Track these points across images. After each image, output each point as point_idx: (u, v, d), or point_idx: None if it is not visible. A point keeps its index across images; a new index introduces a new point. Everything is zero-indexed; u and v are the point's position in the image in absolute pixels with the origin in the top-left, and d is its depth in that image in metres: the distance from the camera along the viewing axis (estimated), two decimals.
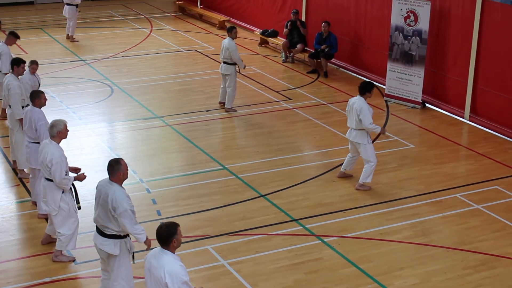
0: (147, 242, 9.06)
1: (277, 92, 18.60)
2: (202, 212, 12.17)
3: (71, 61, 20.94)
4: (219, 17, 26.21)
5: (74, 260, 10.64)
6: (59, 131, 10.26)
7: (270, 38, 23.17)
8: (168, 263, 7.51)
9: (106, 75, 19.64)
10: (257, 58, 22.06)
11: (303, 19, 21.96)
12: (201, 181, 13.35)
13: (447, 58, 17.27)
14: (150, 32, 25.19)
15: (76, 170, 10.74)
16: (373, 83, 13.31)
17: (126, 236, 9.10)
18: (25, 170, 13.37)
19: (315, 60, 20.38)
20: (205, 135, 15.78)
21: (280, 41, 22.31)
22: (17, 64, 13.45)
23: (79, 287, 10.18)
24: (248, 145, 15.17)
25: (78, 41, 23.49)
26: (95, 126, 15.86)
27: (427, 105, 17.75)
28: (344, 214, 12.19)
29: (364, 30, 19.82)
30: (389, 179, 13.63)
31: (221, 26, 25.70)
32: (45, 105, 11.89)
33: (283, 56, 21.71)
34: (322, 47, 19.85)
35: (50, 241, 10.99)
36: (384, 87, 18.47)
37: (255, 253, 10.86)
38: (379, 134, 14.72)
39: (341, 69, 20.81)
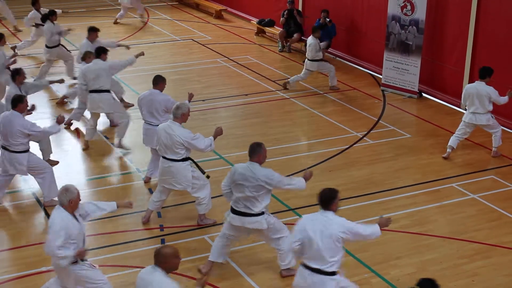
0: (307, 177, 9.88)
1: (274, 81, 18.59)
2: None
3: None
4: (215, 6, 26.18)
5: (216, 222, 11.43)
6: (183, 113, 10.80)
7: (267, 28, 23.15)
8: (336, 219, 8.28)
9: None
10: (253, 48, 22.04)
11: (300, 8, 21.93)
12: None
13: (444, 48, 17.27)
14: (147, 21, 25.14)
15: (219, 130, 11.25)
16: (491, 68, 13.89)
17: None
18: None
19: None
20: (202, 124, 15.77)
21: (277, 30, 22.29)
22: None
23: None
24: (245, 134, 15.18)
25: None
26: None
27: (424, 94, 17.76)
28: (340, 203, 12.11)
29: (361, 19, 19.81)
30: (385, 168, 13.65)
31: (218, 15, 25.67)
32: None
33: (280, 45, 21.69)
34: (321, 20, 19.77)
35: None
36: (381, 76, 18.47)
37: (251, 243, 10.87)
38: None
39: (338, 58, 20.80)
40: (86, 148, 14.29)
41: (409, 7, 17.35)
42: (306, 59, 17.86)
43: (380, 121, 16.05)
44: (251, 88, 18.10)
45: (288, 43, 21.56)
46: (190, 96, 12.88)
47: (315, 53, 17.60)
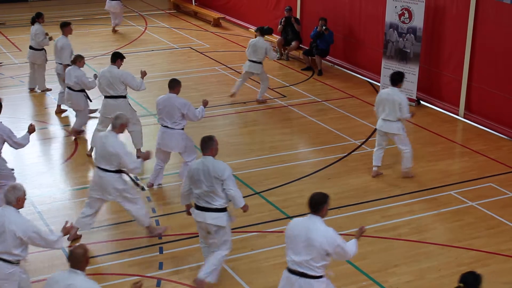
0: (244, 207, 9.66)
1: (272, 89, 18.60)
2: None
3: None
4: (214, 14, 26.22)
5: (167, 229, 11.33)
6: (122, 124, 10.62)
7: (265, 36, 23.14)
8: (321, 227, 8.00)
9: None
10: None
11: (298, 16, 21.97)
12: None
13: (442, 56, 17.30)
14: (145, 29, 25.18)
15: (148, 154, 11.02)
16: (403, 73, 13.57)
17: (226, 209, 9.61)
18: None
19: (309, 57, 20.40)
20: (200, 132, 15.72)
21: (275, 38, 22.31)
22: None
23: None
24: (243, 142, 15.18)
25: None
26: (90, 124, 15.81)
27: (422, 102, 17.78)
28: (338, 211, 12.21)
29: (358, 27, 19.84)
30: (383, 176, 13.64)
31: (216, 23, 25.71)
32: None
33: (278, 53, 21.71)
34: (318, 28, 19.76)
35: (77, 237, 11.16)
36: (379, 84, 18.48)
37: (250, 251, 10.87)
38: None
39: (335, 66, 20.83)
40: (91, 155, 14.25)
41: (406, 15, 17.39)
42: (247, 60, 17.59)
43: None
44: (249, 96, 18.11)
45: (286, 51, 21.59)
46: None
47: (259, 55, 17.29)
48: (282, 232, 11.39)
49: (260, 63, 17.41)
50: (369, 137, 15.45)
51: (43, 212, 12.07)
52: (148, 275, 10.17)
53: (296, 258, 8.07)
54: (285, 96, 18.07)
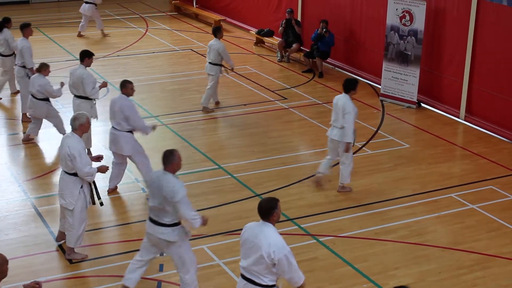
0: (203, 223, 9.20)
1: (272, 91, 18.60)
2: (198, 211, 12.10)
3: (66, 60, 20.92)
4: (214, 16, 26.21)
5: (86, 257, 10.67)
6: (81, 124, 10.30)
7: (266, 38, 23.18)
8: (271, 234, 7.73)
9: (102, 74, 19.61)
10: (252, 58, 22.07)
11: (299, 18, 21.97)
12: (197, 181, 13.35)
13: (443, 58, 17.29)
14: (146, 31, 25.18)
15: (98, 158, 10.80)
16: (357, 80, 13.06)
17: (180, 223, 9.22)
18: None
19: (310, 59, 20.39)
20: (201, 134, 15.79)
21: (275, 40, 22.31)
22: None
23: (72, 286, 10.15)
24: (244, 144, 15.17)
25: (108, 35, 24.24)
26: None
27: (423, 104, 17.76)
28: (339, 213, 12.20)
29: (359, 29, 19.84)
30: (384, 178, 13.64)
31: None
32: None
33: (279, 55, 21.71)
34: (319, 31, 19.73)
35: (64, 238, 10.90)
36: (380, 86, 18.48)
37: None
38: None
39: (336, 68, 20.83)
40: None
41: (408, 17, 17.38)
42: (207, 62, 17.04)
43: (379, 131, 16.06)
44: (249, 98, 18.11)
45: (287, 53, 21.59)
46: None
47: (216, 56, 16.73)
48: (282, 234, 11.20)
49: (215, 65, 16.78)
50: (370, 139, 15.45)
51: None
52: (149, 277, 10.16)
53: (244, 264, 7.89)
54: (286, 98, 18.07)
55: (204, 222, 9.17)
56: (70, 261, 10.58)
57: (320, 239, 11.30)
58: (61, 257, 10.67)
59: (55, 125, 15.07)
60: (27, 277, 10.09)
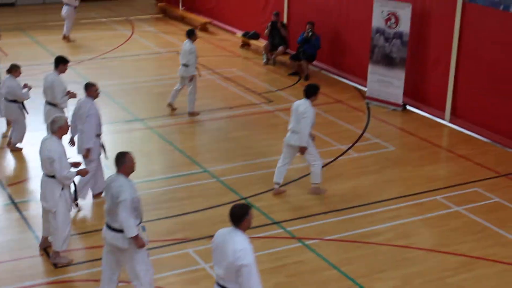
0: (138, 241, 8.90)
1: (258, 94, 18.62)
2: (183, 215, 12.16)
3: (51, 63, 20.77)
4: (200, 19, 26.22)
5: (71, 262, 10.59)
6: (60, 127, 10.24)
7: (252, 40, 23.19)
8: (240, 241, 7.62)
9: (88, 77, 19.49)
10: (238, 60, 22.08)
11: (285, 21, 21.99)
12: (182, 184, 13.34)
13: (428, 61, 17.35)
14: (132, 34, 25.14)
15: (76, 164, 10.69)
16: (319, 87, 12.97)
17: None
18: None
19: (296, 62, 20.42)
20: (186, 137, 15.78)
21: (261, 43, 22.33)
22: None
23: None
24: (229, 147, 15.16)
25: (74, 41, 23.73)
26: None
27: (408, 107, 17.82)
28: (325, 216, 12.21)
29: (345, 32, 19.88)
30: (370, 181, 13.67)
31: (203, 28, 25.70)
32: None
33: (265, 58, 21.73)
34: (305, 34, 19.76)
35: (48, 244, 10.86)
36: (365, 89, 18.52)
37: None
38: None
39: (322, 71, 20.85)
40: None
41: (393, 20, 17.43)
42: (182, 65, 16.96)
43: (364, 134, 16.10)
44: (236, 101, 18.11)
45: (273, 56, 21.60)
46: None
47: (188, 59, 16.70)
48: (268, 237, 11.42)
49: (188, 66, 16.72)
50: (355, 142, 15.48)
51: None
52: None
53: (217, 271, 7.81)
54: (271, 101, 18.08)
55: (140, 244, 8.92)
56: (55, 265, 10.53)
57: (306, 242, 11.31)
58: (46, 261, 10.62)
59: (14, 131, 14.70)
60: (12, 281, 10.08)
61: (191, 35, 16.80)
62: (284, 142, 12.85)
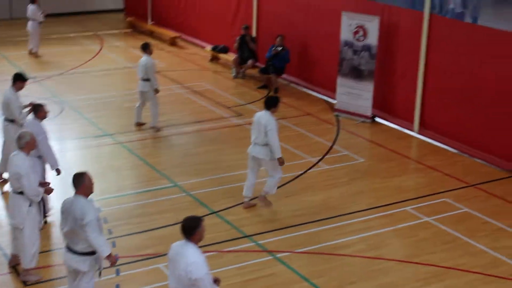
0: (111, 258, 8.84)
1: (228, 108, 18.62)
2: (154, 230, 12.10)
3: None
4: (170, 33, 26.19)
5: (41, 279, 10.45)
6: (27, 142, 10.12)
7: (221, 54, 23.22)
8: (191, 253, 7.61)
9: (56, 92, 19.47)
10: (208, 74, 22.09)
11: (254, 34, 22.05)
12: (153, 199, 13.28)
13: (396, 73, 17.48)
14: (101, 49, 25.05)
15: (44, 184, 10.59)
16: (279, 98, 12.99)
17: (95, 253, 8.89)
18: None
19: (265, 75, 20.46)
20: (156, 152, 15.73)
21: (231, 57, 22.36)
22: None
23: None
24: (199, 161, 15.14)
25: (41, 56, 23.54)
26: None
27: (377, 119, 17.92)
28: (296, 229, 12.22)
29: (314, 45, 19.97)
30: (340, 193, 13.72)
31: (172, 42, 25.69)
32: None
33: (234, 71, 21.75)
34: (273, 50, 19.83)
35: (17, 262, 10.70)
36: (334, 101, 18.60)
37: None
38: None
39: (291, 84, 20.92)
40: None
41: (361, 32, 17.55)
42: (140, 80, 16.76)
43: (334, 146, 16.16)
44: (205, 114, 18.10)
45: (242, 69, 21.64)
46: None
47: (150, 72, 16.56)
48: (239, 251, 11.40)
49: (147, 80, 16.55)
50: (325, 154, 15.54)
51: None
52: None
53: (171, 284, 7.80)
54: (241, 115, 18.09)
55: (113, 261, 8.88)
56: (25, 283, 10.42)
57: (277, 255, 11.31)
58: (15, 279, 10.51)
59: None
60: None
61: (146, 49, 16.69)
62: (249, 154, 12.86)
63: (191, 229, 7.68)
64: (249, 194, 13.03)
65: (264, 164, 12.70)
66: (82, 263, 8.82)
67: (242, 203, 13.07)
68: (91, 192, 8.87)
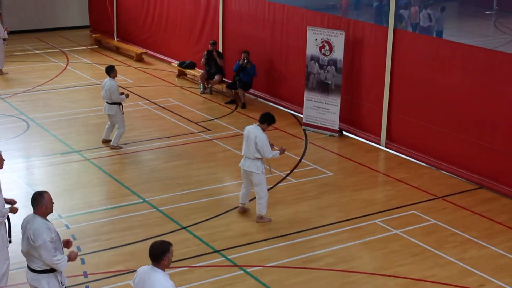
0: (71, 257, 8.80)
1: (196, 123, 18.61)
2: (123, 246, 12.04)
3: None
4: (136, 49, 26.14)
5: None
6: None
7: (188, 70, 23.22)
8: (158, 280, 7.46)
9: (22, 109, 19.32)
10: (175, 90, 22.07)
11: (220, 49, 22.09)
12: (122, 215, 13.22)
13: (362, 87, 17.62)
14: (67, 65, 24.92)
15: (11, 202, 10.45)
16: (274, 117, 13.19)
17: (54, 270, 8.80)
18: None
19: (233, 90, 20.50)
20: (124, 168, 15.67)
21: (198, 72, 22.37)
22: None
23: None
24: (168, 177, 15.11)
25: (7, 73, 23.32)
26: (11, 162, 15.43)
27: (345, 133, 18.02)
28: (266, 243, 12.23)
29: (280, 60, 20.06)
30: (309, 207, 13.76)
31: (139, 58, 25.65)
32: None
33: (201, 87, 21.76)
34: (240, 62, 19.88)
35: None
36: (302, 116, 18.68)
37: (177, 286, 10.76)
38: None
39: (258, 99, 20.98)
40: None
41: (327, 47, 17.67)
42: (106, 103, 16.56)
43: (302, 160, 16.22)
44: (173, 130, 18.08)
45: (210, 85, 21.66)
46: None
47: (114, 96, 16.34)
48: (210, 266, 11.38)
49: (113, 104, 16.39)
50: (294, 168, 15.59)
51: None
52: None
53: None
54: (209, 130, 18.10)
55: (72, 257, 8.85)
56: None
57: (248, 270, 11.30)
58: None
59: None
60: None
61: (110, 72, 16.55)
62: (241, 168, 13.05)
63: (159, 254, 7.53)
64: (244, 202, 13.31)
65: (253, 177, 12.84)
66: (41, 281, 8.74)
67: (219, 215, 13.13)
68: (50, 212, 8.75)
